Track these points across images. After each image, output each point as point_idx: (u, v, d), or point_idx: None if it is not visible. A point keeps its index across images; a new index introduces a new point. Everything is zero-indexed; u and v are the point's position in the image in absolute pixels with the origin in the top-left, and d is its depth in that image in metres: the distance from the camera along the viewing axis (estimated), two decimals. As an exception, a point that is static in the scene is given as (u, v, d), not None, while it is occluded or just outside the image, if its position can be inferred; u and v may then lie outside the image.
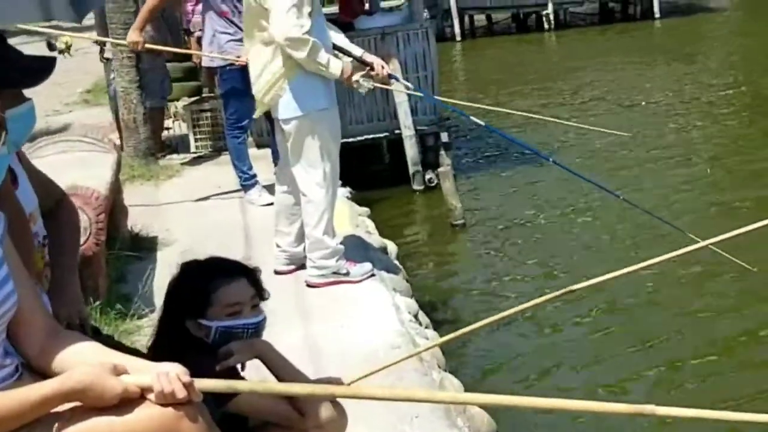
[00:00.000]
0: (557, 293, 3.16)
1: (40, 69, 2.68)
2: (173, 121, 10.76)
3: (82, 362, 2.33)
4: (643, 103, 15.63)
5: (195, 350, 2.92)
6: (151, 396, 2.28)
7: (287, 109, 5.61)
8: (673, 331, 6.90)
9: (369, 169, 11.37)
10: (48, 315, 2.48)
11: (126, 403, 2.26)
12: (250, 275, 3.07)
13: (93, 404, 2.26)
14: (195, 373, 2.46)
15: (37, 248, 2.91)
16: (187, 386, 2.25)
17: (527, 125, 13.75)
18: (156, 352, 2.92)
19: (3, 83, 2.42)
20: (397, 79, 7.16)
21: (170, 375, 2.24)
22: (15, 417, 2.22)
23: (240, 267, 3.09)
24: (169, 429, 2.25)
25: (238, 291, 3.01)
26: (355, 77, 5.67)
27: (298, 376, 3.01)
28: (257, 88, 5.73)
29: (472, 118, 6.99)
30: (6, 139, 2.37)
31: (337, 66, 5.56)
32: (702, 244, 3.17)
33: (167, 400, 2.24)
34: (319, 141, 5.65)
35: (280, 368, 3.01)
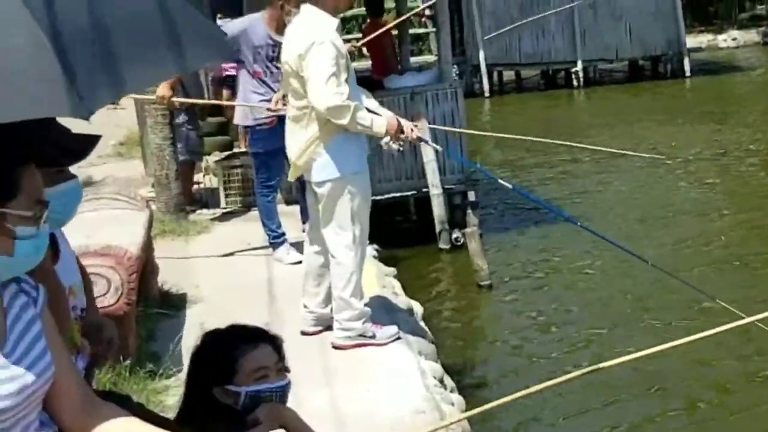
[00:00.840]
0: (585, 371, 3.15)
1: (82, 149, 2.76)
2: (204, 176, 10.88)
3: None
4: (669, 161, 15.64)
5: (224, 418, 2.95)
6: None
7: (321, 172, 5.71)
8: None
9: (396, 226, 11.43)
10: (84, 387, 2.50)
11: None
12: (274, 342, 3.11)
13: None
14: None
15: (75, 321, 2.97)
16: None
17: (554, 180, 13.78)
18: (185, 422, 2.95)
19: (42, 162, 2.50)
20: (426, 142, 7.29)
21: None
22: None
23: (263, 333, 3.11)
24: None
25: (264, 356, 3.03)
26: (385, 140, 5.80)
27: None
28: (292, 152, 5.84)
29: (500, 180, 7.08)
30: (47, 217, 2.44)
31: (381, 124, 5.69)
32: (748, 320, 3.15)
33: None
34: (352, 204, 5.74)
35: None
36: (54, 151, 2.66)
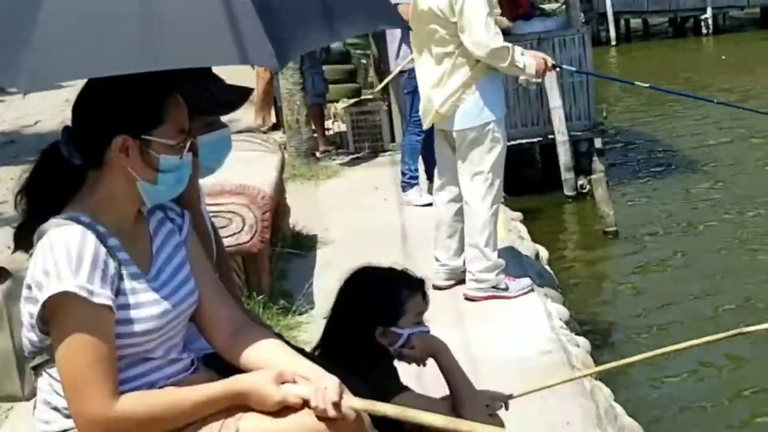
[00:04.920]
0: (726, 334, 3.07)
1: (235, 100, 2.85)
2: (333, 122, 11.04)
3: (263, 359, 2.47)
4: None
5: (374, 355, 3.05)
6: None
7: (466, 119, 5.69)
8: None
9: (521, 174, 11.37)
10: (234, 312, 2.58)
11: (289, 410, 2.35)
12: (425, 287, 3.19)
13: (256, 408, 2.38)
14: (370, 382, 2.63)
15: None
16: (338, 405, 2.31)
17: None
18: (327, 356, 3.00)
19: (197, 111, 2.57)
20: (560, 67, 7.25)
21: (326, 392, 2.31)
22: (182, 414, 2.37)
23: (420, 280, 3.19)
24: None
25: (422, 302, 3.14)
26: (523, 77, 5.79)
27: (465, 382, 3.11)
28: (431, 100, 5.80)
29: (637, 83, 7.15)
30: (192, 146, 2.51)
31: (531, 64, 5.68)
32: None
33: (324, 415, 2.31)
34: (493, 149, 5.74)
35: (452, 370, 3.10)
36: (207, 99, 2.73)
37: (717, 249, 9.13)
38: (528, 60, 5.68)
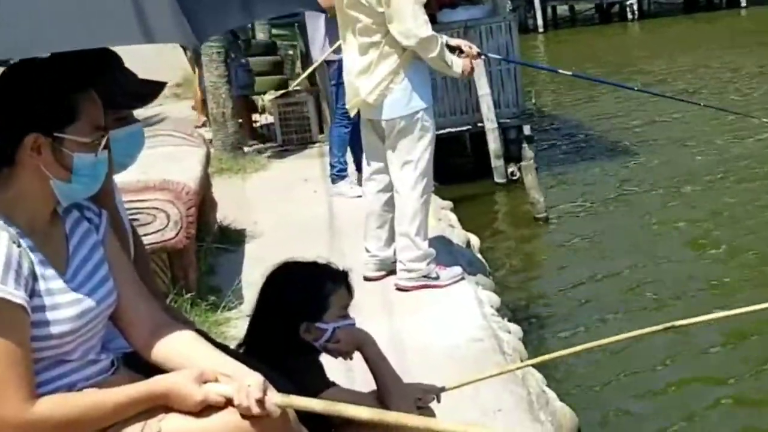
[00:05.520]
0: (657, 328, 3.07)
1: (147, 93, 2.80)
2: (260, 115, 10.97)
3: (184, 357, 2.43)
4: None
5: (298, 350, 3.00)
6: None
7: (394, 108, 5.66)
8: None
9: (451, 162, 11.39)
10: (154, 310, 2.55)
11: (212, 409, 2.32)
12: (349, 279, 3.15)
13: (178, 408, 2.34)
14: (295, 378, 2.59)
15: None
16: (262, 402, 2.28)
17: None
18: (252, 353, 2.97)
19: (108, 104, 2.51)
20: (486, 55, 7.24)
21: (249, 390, 2.28)
22: (102, 417, 2.32)
23: (344, 272, 3.15)
24: None
25: (347, 295, 3.11)
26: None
27: (392, 375, 3.07)
28: (358, 90, 5.75)
29: (560, 71, 7.25)
30: (107, 143, 2.46)
31: (459, 64, 5.68)
32: None
33: (247, 413, 2.28)
34: (423, 138, 5.72)
35: (378, 363, 3.06)
36: (120, 92, 2.69)
37: (647, 231, 9.23)
38: (456, 59, 5.68)
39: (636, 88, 8.39)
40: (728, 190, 10.25)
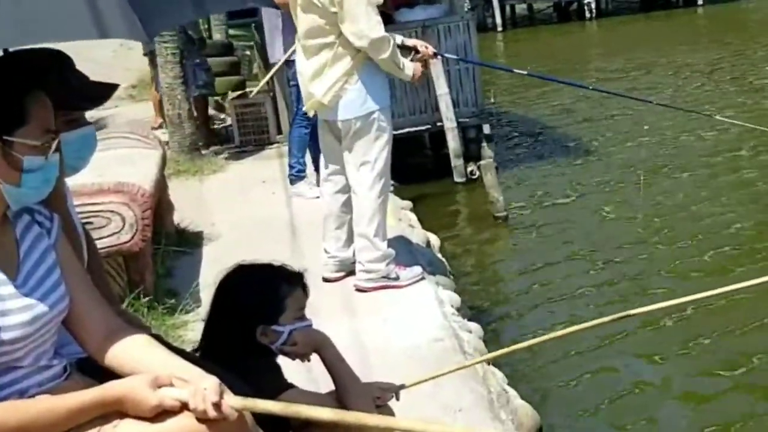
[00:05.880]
0: (613, 317, 3.09)
1: (99, 94, 2.76)
2: (221, 114, 10.90)
3: (139, 362, 2.41)
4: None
5: (255, 353, 2.99)
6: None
7: (350, 108, 5.62)
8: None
9: (411, 162, 11.38)
10: (107, 315, 2.52)
11: (168, 414, 2.30)
12: (304, 281, 3.13)
13: (133, 414, 2.32)
14: (252, 381, 2.56)
15: None
16: (218, 406, 2.26)
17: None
18: (208, 356, 2.94)
19: (59, 106, 2.48)
20: (441, 55, 7.23)
21: (205, 393, 2.26)
22: (55, 423, 2.29)
23: (298, 274, 3.13)
24: None
25: (302, 297, 3.09)
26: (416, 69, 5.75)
27: (350, 375, 3.07)
28: (313, 90, 5.71)
29: (516, 70, 7.42)
30: (59, 146, 2.43)
31: (410, 66, 5.67)
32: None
33: (204, 416, 2.26)
34: (379, 138, 5.69)
35: (336, 364, 3.05)
36: (70, 94, 2.66)
37: (605, 227, 9.27)
38: (407, 62, 5.68)
39: (591, 87, 8.46)
40: (681, 183, 10.38)
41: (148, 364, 2.39)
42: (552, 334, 3.20)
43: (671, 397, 5.88)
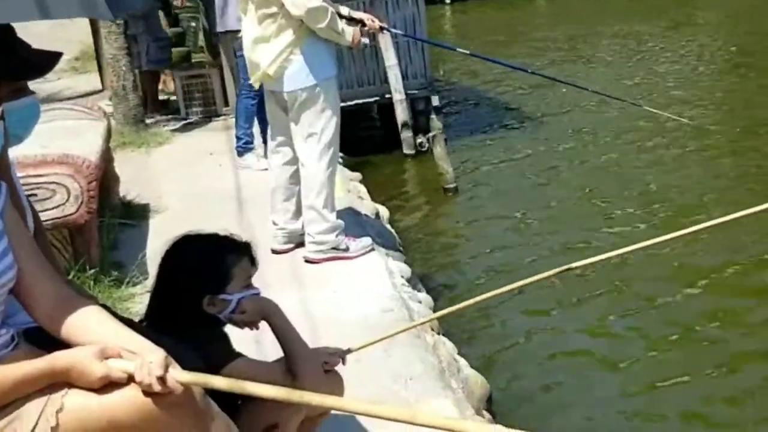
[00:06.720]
0: (554, 271, 3.12)
1: (44, 63, 2.72)
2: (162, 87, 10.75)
3: (88, 332, 2.39)
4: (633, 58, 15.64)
5: (203, 323, 2.98)
6: None
7: (295, 79, 5.55)
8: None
9: (360, 133, 11.35)
10: (57, 283, 2.50)
11: (115, 385, 2.30)
12: (251, 251, 3.12)
13: (79, 385, 2.31)
14: (200, 351, 2.58)
15: None
16: (163, 379, 2.26)
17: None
18: (155, 327, 2.91)
19: (3, 75, 2.47)
20: (388, 30, 7.22)
21: (150, 366, 2.26)
22: (1, 393, 2.29)
23: (245, 243, 3.13)
24: (149, 415, 2.28)
25: (250, 266, 3.09)
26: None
27: (298, 341, 3.07)
28: (258, 62, 5.63)
29: (458, 49, 7.41)
30: (2, 115, 2.39)
31: (349, 31, 5.59)
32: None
33: (149, 389, 2.26)
34: (326, 110, 5.63)
35: (285, 331, 3.06)
36: (15, 64, 2.64)
37: (552, 195, 9.37)
38: (347, 27, 5.61)
39: (530, 71, 8.52)
40: (621, 153, 10.63)
41: (98, 335, 2.38)
42: (498, 290, 3.19)
43: (605, 354, 6.07)
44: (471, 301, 3.23)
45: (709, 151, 10.40)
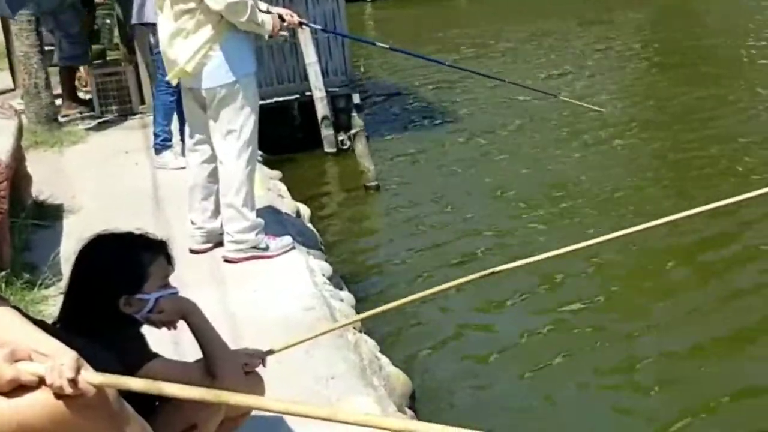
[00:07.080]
0: (479, 275, 3.11)
1: None
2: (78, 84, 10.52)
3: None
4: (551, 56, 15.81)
5: (119, 324, 2.92)
6: None
7: (214, 76, 5.45)
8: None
9: (280, 131, 11.24)
10: None
11: (26, 388, 2.24)
12: (167, 249, 3.07)
13: None
14: (116, 352, 2.54)
15: None
16: (75, 382, 2.20)
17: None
18: (69, 329, 2.82)
19: None
20: (307, 25, 7.16)
21: (62, 369, 2.20)
22: None
23: (161, 242, 3.08)
24: (61, 418, 2.22)
25: (167, 265, 3.04)
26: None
27: (218, 341, 3.02)
28: (175, 58, 5.52)
29: (378, 44, 7.49)
30: None
31: (268, 20, 5.52)
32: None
33: (61, 392, 2.21)
34: (245, 107, 5.54)
35: (203, 331, 3.01)
36: None
37: (473, 195, 9.37)
38: (266, 17, 5.54)
39: (447, 64, 8.59)
40: (543, 146, 10.79)
41: (8, 337, 2.32)
42: (423, 293, 3.18)
43: (531, 351, 6.10)
44: (395, 303, 3.22)
45: (625, 140, 10.69)
